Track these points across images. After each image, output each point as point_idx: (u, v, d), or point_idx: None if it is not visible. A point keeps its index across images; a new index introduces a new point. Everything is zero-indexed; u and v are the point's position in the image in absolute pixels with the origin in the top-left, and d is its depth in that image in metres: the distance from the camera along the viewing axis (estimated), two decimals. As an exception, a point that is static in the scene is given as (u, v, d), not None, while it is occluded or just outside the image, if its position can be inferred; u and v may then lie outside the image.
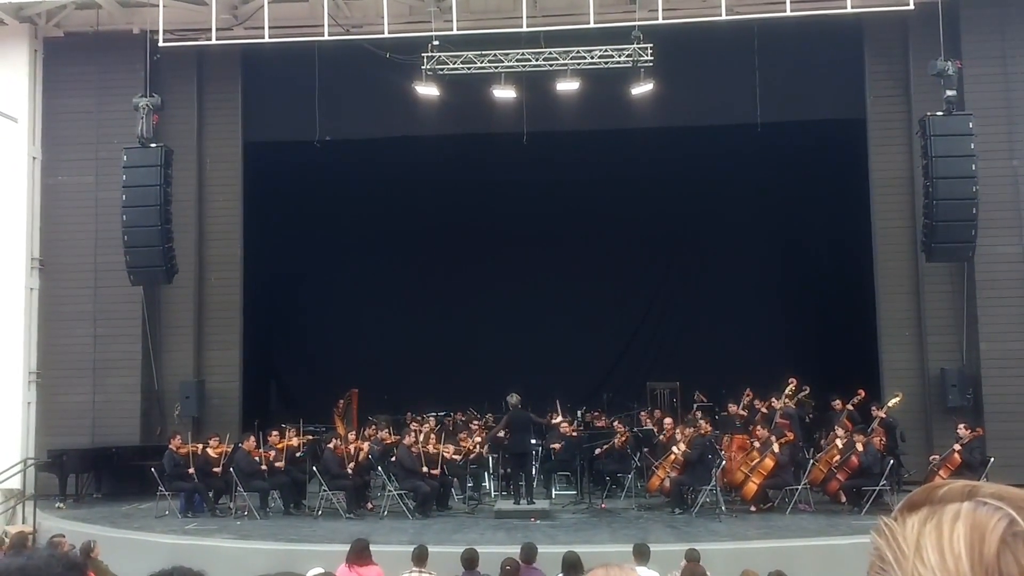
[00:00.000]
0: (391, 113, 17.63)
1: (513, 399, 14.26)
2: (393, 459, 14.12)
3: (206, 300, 17.84)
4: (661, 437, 15.07)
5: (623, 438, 15.00)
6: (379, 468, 14.37)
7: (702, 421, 15.05)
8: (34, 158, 17.64)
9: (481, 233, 21.10)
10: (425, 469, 13.80)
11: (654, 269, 21.94)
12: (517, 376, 16.94)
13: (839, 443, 13.76)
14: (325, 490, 13.98)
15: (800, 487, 13.67)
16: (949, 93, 14.78)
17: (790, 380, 15.42)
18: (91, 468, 16.35)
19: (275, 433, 14.88)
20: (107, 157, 16.96)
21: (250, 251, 18.22)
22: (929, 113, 15.09)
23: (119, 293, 16.88)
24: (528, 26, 15.39)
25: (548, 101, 16.67)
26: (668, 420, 15.47)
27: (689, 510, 13.62)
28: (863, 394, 15.16)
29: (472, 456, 15.05)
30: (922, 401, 16.20)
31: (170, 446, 14.50)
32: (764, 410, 15.27)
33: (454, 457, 14.61)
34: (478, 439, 15.42)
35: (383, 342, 21.23)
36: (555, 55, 15.70)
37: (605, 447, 14.99)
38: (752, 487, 13.86)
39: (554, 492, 15.42)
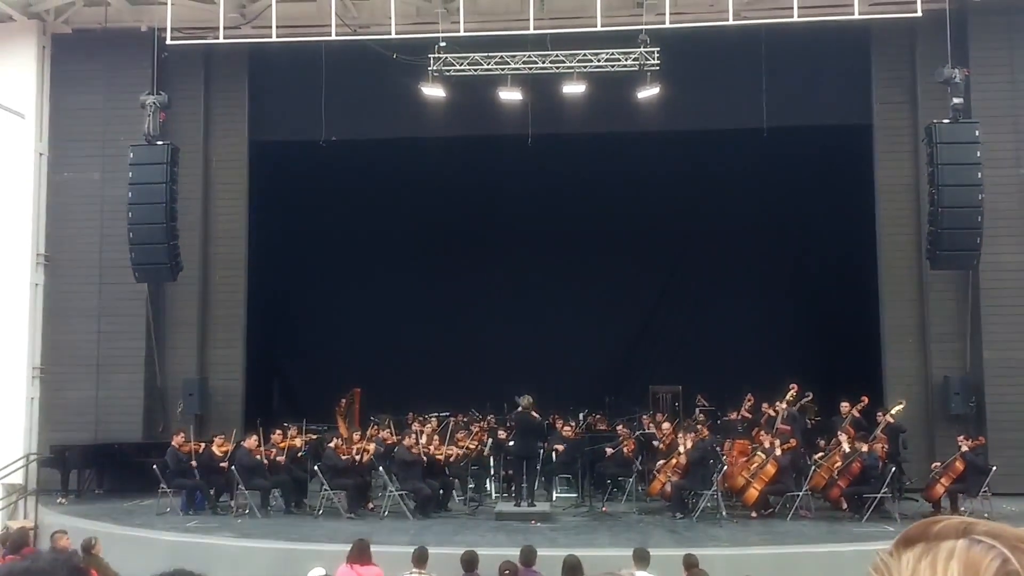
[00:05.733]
0: (397, 114, 17.63)
1: (525, 401, 14.10)
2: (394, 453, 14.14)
3: (210, 298, 17.88)
4: (660, 445, 15.03)
5: (630, 446, 14.90)
6: (380, 468, 14.38)
7: (700, 425, 14.99)
8: (41, 154, 17.68)
9: (485, 234, 21.09)
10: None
11: (657, 273, 21.90)
12: (519, 378, 16.91)
13: (846, 447, 13.71)
14: (326, 489, 13.98)
15: (801, 493, 13.64)
16: (956, 101, 14.74)
17: (791, 386, 15.42)
18: (93, 464, 16.39)
19: (279, 432, 14.90)
20: (114, 154, 17.00)
21: (254, 250, 18.25)
22: (935, 120, 15.05)
23: (124, 290, 16.92)
24: (535, 28, 15.40)
25: (554, 104, 16.65)
26: (666, 425, 15.41)
27: (690, 515, 13.59)
28: (867, 400, 15.15)
29: (473, 457, 15.03)
30: (925, 409, 16.18)
31: (173, 443, 14.52)
32: (772, 412, 15.26)
33: (460, 451, 14.58)
34: (474, 442, 15.39)
35: (386, 342, 21.23)
36: (561, 58, 15.69)
37: (614, 450, 14.92)
38: (753, 492, 13.85)
39: (555, 495, 15.37)
